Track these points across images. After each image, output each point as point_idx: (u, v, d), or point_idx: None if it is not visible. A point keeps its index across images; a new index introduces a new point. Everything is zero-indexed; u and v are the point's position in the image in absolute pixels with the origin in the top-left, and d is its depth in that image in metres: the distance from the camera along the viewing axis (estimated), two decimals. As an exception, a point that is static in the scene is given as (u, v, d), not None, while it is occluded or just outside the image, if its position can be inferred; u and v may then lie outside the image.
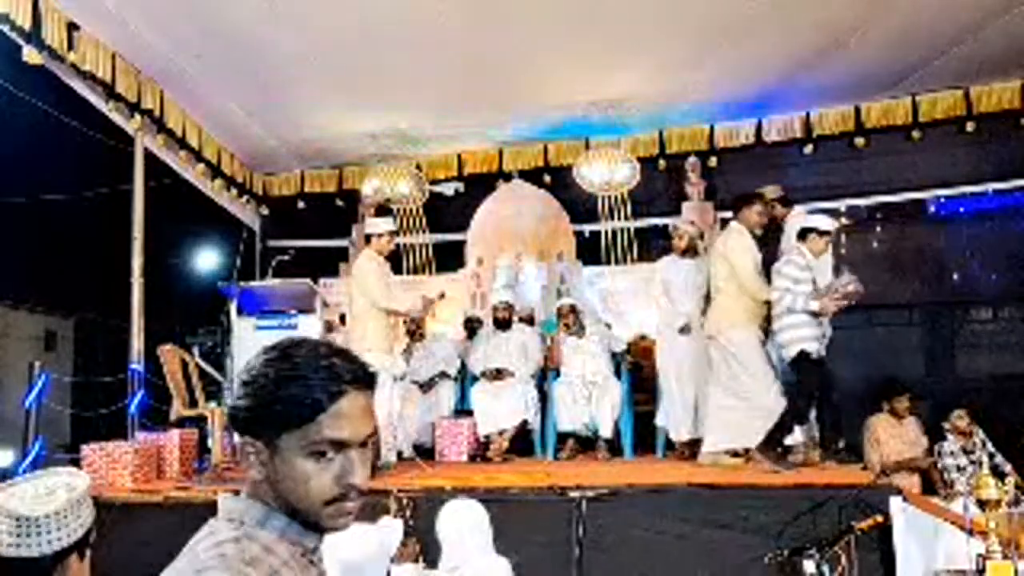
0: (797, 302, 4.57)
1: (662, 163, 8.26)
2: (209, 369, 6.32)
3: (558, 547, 3.59)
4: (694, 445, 5.53)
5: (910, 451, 5.85)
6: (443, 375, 6.55)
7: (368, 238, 5.43)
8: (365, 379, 1.15)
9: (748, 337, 4.88)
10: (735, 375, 4.90)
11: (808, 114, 7.79)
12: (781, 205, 5.48)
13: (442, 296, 5.97)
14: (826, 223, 4.82)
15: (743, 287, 4.91)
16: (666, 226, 8.00)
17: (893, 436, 5.96)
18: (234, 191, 8.38)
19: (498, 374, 6.14)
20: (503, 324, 6.39)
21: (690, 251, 5.66)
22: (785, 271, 4.69)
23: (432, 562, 3.46)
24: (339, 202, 9.03)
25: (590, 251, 8.40)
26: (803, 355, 4.58)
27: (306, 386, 1.09)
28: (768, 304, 4.85)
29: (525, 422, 5.91)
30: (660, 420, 5.63)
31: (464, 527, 3.17)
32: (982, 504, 2.98)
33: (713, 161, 8.17)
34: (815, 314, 4.60)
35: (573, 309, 6.23)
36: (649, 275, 6.37)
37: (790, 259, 4.73)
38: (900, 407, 5.93)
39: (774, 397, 4.73)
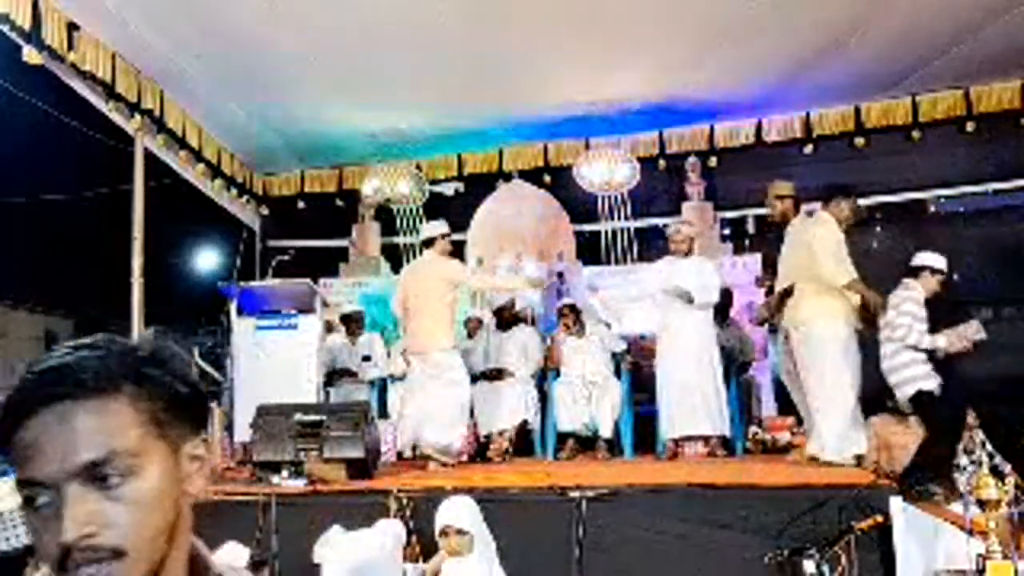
0: (923, 340, 4.40)
1: (662, 163, 8.27)
2: (209, 369, 6.31)
3: (558, 547, 3.58)
4: (684, 442, 5.52)
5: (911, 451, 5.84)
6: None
7: (430, 242, 5.54)
8: (76, 387, 0.77)
9: (828, 334, 4.56)
10: (802, 371, 4.69)
11: (808, 114, 7.79)
12: (793, 204, 5.36)
13: (560, 276, 6.17)
14: (939, 260, 4.66)
15: (820, 270, 4.57)
16: (667, 226, 8.02)
17: (893, 435, 5.94)
18: (234, 191, 8.38)
19: (498, 374, 6.13)
20: (505, 324, 6.38)
21: (690, 251, 5.67)
22: (905, 308, 4.47)
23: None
24: (339, 202, 9.04)
25: (590, 251, 8.40)
26: (922, 394, 4.40)
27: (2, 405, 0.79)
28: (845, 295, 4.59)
29: (525, 422, 5.90)
30: (662, 423, 5.57)
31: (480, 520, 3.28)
32: (982, 504, 2.98)
33: (713, 161, 8.18)
34: (930, 354, 4.44)
35: (573, 309, 6.23)
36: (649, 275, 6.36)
37: (909, 295, 4.52)
38: (906, 404, 5.90)
39: (834, 410, 4.49)
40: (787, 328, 4.85)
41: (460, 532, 3.25)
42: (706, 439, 5.47)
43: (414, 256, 8.65)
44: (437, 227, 5.61)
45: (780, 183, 5.30)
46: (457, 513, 3.30)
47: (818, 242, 4.63)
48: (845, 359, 4.56)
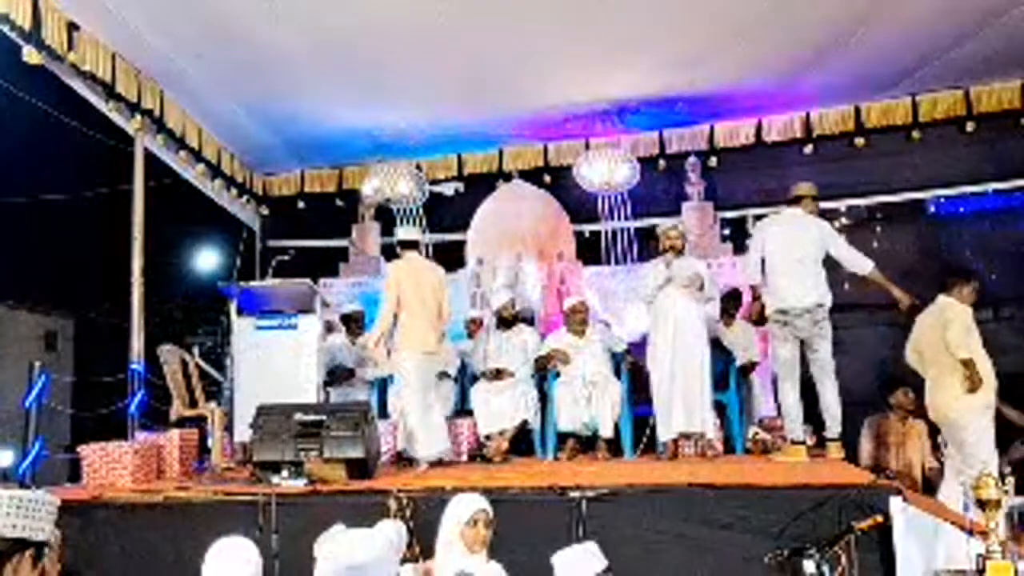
0: None
1: (662, 163, 8.27)
2: (209, 369, 6.32)
3: (558, 547, 3.57)
4: (684, 442, 5.51)
5: (911, 452, 5.86)
6: (443, 375, 6.54)
7: (414, 244, 5.60)
8: None
9: (970, 410, 4.75)
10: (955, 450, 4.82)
11: (808, 114, 7.80)
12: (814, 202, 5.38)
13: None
14: None
15: (946, 336, 4.80)
16: (657, 226, 8.00)
17: (893, 435, 5.95)
18: (234, 191, 8.39)
19: (498, 374, 6.12)
20: (506, 323, 6.37)
21: (683, 250, 5.69)
22: None
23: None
24: (339, 202, 9.05)
25: (590, 251, 8.40)
26: None
27: None
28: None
29: (525, 422, 5.90)
30: (661, 422, 5.56)
31: None
32: (982, 504, 2.98)
33: (713, 161, 8.18)
34: None
35: (585, 306, 6.22)
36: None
37: None
38: (905, 400, 5.91)
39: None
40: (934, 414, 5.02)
41: (489, 524, 3.25)
42: (703, 439, 5.46)
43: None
44: (417, 232, 5.80)
45: (804, 184, 5.37)
46: (486, 505, 3.30)
47: (951, 320, 4.84)
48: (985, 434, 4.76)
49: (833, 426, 4.96)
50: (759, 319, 5.44)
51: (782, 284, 5.04)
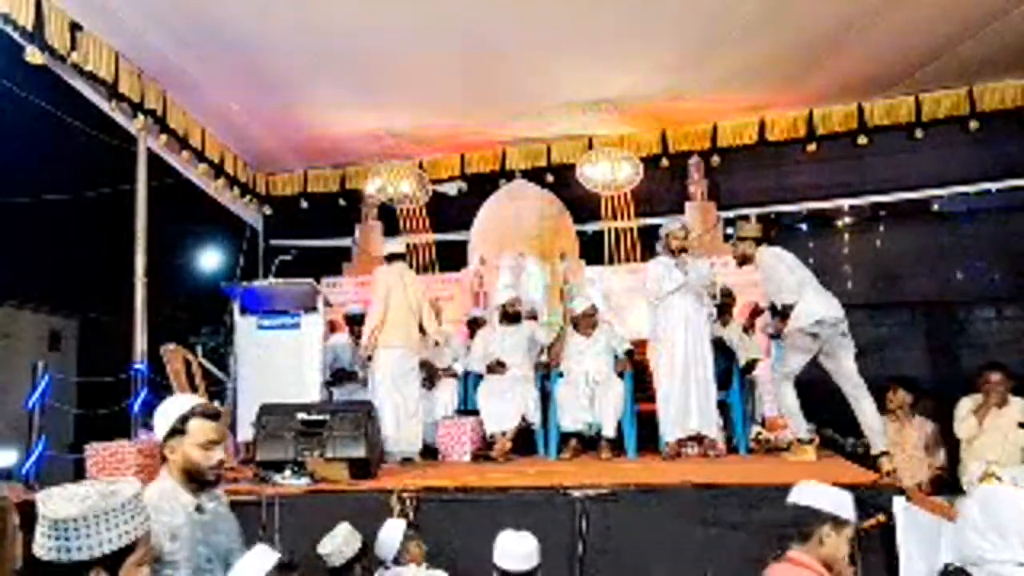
0: None
1: (664, 162, 8.26)
2: (212, 368, 6.33)
3: (560, 547, 3.58)
4: (686, 443, 5.50)
5: (909, 451, 5.85)
6: (447, 372, 6.56)
7: (400, 256, 5.92)
8: None
9: None
10: None
11: (811, 113, 7.78)
12: (755, 244, 5.16)
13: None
14: None
15: None
16: (662, 225, 7.98)
17: (889, 435, 5.93)
18: (237, 191, 8.40)
19: (500, 366, 6.11)
20: (510, 319, 6.36)
21: (688, 250, 5.67)
22: None
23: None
24: (342, 202, 9.06)
25: (593, 250, 8.40)
26: None
27: None
28: None
29: (528, 421, 5.90)
30: (663, 426, 5.55)
31: None
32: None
33: (716, 160, 8.17)
34: None
35: (596, 310, 6.19)
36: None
37: None
38: (900, 399, 5.89)
39: None
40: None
41: None
42: (706, 439, 5.45)
43: (417, 255, 8.70)
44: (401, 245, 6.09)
45: (746, 224, 5.22)
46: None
47: None
48: None
49: (878, 441, 4.79)
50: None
51: (815, 298, 4.90)
